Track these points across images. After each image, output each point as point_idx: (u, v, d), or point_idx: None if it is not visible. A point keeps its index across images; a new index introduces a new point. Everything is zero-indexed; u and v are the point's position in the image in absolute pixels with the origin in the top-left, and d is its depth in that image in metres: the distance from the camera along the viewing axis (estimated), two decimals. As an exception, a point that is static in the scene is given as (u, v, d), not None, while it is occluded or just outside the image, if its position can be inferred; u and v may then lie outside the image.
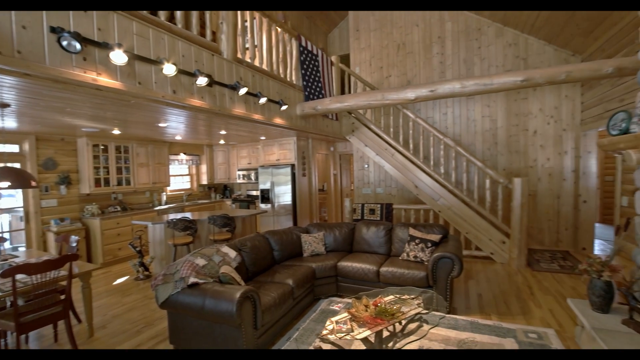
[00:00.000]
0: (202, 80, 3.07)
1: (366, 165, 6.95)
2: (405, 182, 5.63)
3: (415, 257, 3.69)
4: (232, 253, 3.23)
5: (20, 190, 5.00)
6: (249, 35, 4.05)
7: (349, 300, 3.41)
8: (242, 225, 5.51)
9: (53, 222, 5.16)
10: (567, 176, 5.59)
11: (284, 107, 3.97)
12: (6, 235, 4.98)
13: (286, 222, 7.02)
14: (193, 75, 3.04)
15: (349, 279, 3.75)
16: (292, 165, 6.90)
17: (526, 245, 4.77)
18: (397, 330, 2.31)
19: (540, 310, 3.33)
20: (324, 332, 2.20)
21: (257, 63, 4.04)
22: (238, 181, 8.12)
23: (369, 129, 5.91)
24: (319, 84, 5.04)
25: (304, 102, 4.32)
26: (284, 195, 6.99)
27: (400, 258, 3.85)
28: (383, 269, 3.57)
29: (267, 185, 7.19)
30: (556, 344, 2.71)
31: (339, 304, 3.40)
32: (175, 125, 4.53)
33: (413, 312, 2.40)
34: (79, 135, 5.36)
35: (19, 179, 2.93)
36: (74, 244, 3.44)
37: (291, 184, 6.89)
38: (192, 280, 2.62)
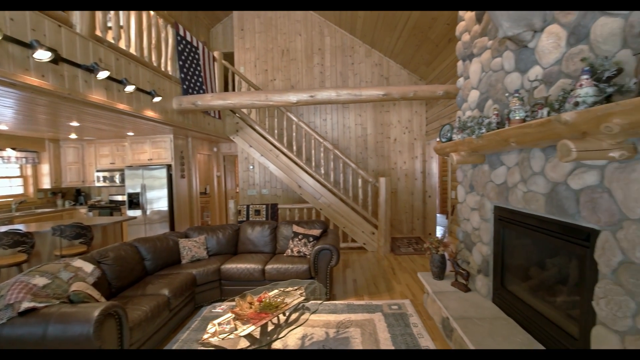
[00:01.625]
0: (42, 55, 2.47)
1: (251, 167, 6.89)
2: (290, 182, 5.84)
3: (298, 252, 3.86)
4: (88, 267, 2.69)
5: None
6: (112, 12, 3.48)
7: (233, 303, 3.32)
8: (102, 236, 4.64)
9: None
10: (417, 176, 6.86)
11: (157, 99, 3.55)
12: None
13: (161, 229, 6.28)
14: (29, 47, 2.42)
15: (233, 281, 3.63)
16: (169, 166, 6.23)
17: (390, 235, 5.61)
18: (282, 321, 2.37)
19: (400, 286, 3.97)
20: (205, 336, 2.07)
21: (122, 46, 3.49)
22: (97, 184, 6.81)
23: (254, 129, 5.90)
24: (199, 79, 4.74)
25: (181, 96, 3.97)
26: (158, 199, 6.24)
27: (285, 254, 3.96)
28: (268, 267, 3.61)
29: (136, 189, 6.27)
30: (411, 310, 3.28)
31: (222, 307, 3.26)
32: (-2, 110, 3.48)
33: (295, 302, 2.50)
34: None
35: None
36: None
37: (167, 187, 6.21)
38: (26, 305, 2.06)
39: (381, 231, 5.48)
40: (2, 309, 2.05)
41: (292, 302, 2.47)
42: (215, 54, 5.56)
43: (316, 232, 4.00)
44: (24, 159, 5.98)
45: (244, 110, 6.03)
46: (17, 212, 5.66)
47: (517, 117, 2.03)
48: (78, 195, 7.01)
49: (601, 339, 1.58)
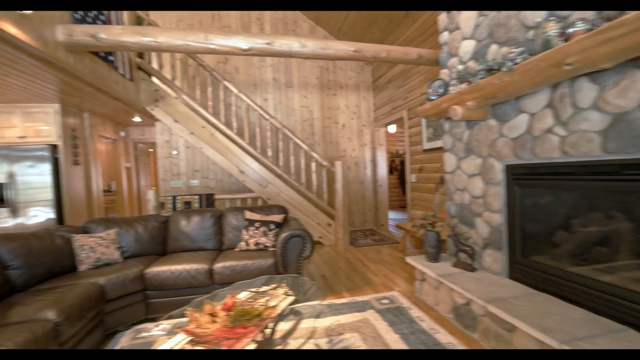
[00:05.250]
0: None
1: (175, 152, 5.56)
2: (229, 167, 4.79)
3: (257, 244, 2.94)
4: None
5: None
6: None
7: (173, 321, 2.25)
8: None
9: None
10: (367, 165, 6.48)
11: (26, 11, 2.20)
12: None
13: (42, 234, 4.51)
14: None
15: (166, 290, 2.52)
16: (53, 147, 4.55)
17: (349, 225, 5.02)
18: (269, 334, 1.50)
19: (378, 278, 3.36)
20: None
21: None
22: None
23: (181, 100, 4.69)
24: (102, 14, 3.43)
25: (70, 25, 2.66)
26: (36, 193, 4.48)
27: (237, 249, 2.99)
28: (218, 266, 2.61)
29: (0, 179, 4.40)
30: (405, 302, 2.68)
31: (157, 330, 2.16)
32: None
33: (284, 304, 1.65)
34: None
35: None
36: None
37: (53, 178, 4.51)
38: None
39: (339, 222, 4.85)
40: None
41: (280, 305, 1.61)
42: (127, -1, 4.23)
43: (277, 217, 3.13)
44: None
45: (167, 75, 4.77)
46: None
47: (581, 28, 1.59)
48: None
49: None
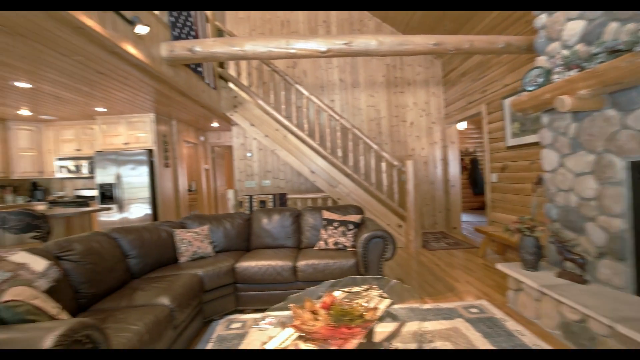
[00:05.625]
0: None
1: (249, 154, 5.90)
2: (301, 167, 4.93)
3: (335, 243, 2.96)
4: (39, 263, 1.65)
5: None
6: None
7: (259, 316, 2.36)
8: (66, 231, 3.50)
9: None
10: (437, 164, 6.15)
11: (141, 29, 2.51)
12: None
13: (141, 228, 5.14)
14: None
15: (254, 284, 2.67)
16: (149, 151, 5.15)
17: (421, 227, 4.82)
18: (374, 338, 1.48)
19: (461, 285, 3.15)
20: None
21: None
22: (59, 175, 5.56)
23: (257, 105, 4.95)
24: (192, 31, 3.78)
25: (173, 41, 2.99)
26: (137, 191, 5.12)
27: (316, 248, 3.05)
28: (301, 264, 2.68)
29: (109, 179, 5.12)
30: (498, 313, 2.46)
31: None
32: None
33: (382, 306, 1.61)
34: None
35: None
36: None
37: (149, 178, 5.12)
38: None
39: (410, 223, 4.67)
40: None
41: (379, 307, 1.58)
42: (209, 13, 4.61)
43: (355, 217, 3.12)
44: (-41, 142, 4.69)
45: (244, 82, 5.09)
46: (-52, 209, 4.35)
47: None
48: (34, 189, 5.71)
49: None
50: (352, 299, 1.70)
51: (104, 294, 2.04)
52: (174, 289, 2.08)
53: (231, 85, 4.95)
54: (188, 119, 5.82)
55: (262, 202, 4.75)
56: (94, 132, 5.46)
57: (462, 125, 6.42)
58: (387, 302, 1.63)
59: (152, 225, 2.80)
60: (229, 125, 6.20)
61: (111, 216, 5.14)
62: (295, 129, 4.85)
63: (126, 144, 5.19)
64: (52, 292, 1.62)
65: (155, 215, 5.19)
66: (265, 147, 5.81)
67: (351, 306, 1.55)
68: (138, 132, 5.20)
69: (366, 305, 1.56)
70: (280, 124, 4.93)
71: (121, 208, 5.13)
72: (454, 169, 6.02)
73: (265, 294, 2.68)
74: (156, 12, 3.07)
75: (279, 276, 2.63)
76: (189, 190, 6.75)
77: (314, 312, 1.51)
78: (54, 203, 5.39)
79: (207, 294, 2.48)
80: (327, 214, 3.19)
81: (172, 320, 1.87)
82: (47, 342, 1.02)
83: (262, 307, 2.66)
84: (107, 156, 5.11)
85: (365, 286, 1.90)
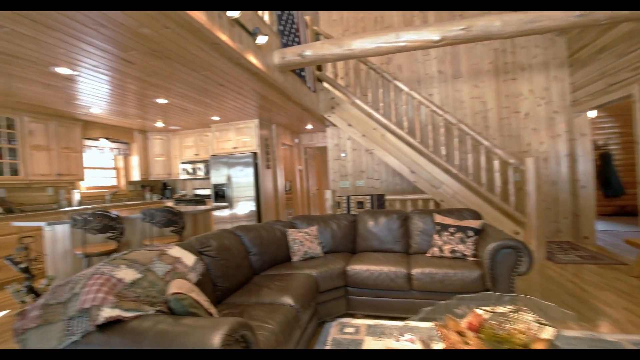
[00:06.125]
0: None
1: (343, 154, 5.91)
2: (400, 167, 4.70)
3: (452, 251, 2.68)
4: (189, 258, 1.86)
5: None
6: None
7: (372, 323, 2.26)
8: (192, 226, 4.01)
9: None
10: (561, 161, 5.20)
11: (261, 39, 2.68)
12: None
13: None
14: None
15: (365, 289, 2.59)
16: (254, 154, 5.58)
17: (544, 235, 4.12)
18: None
19: (616, 311, 2.54)
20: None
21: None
22: (182, 177, 6.46)
23: (354, 105, 4.90)
24: (296, 38, 3.90)
25: (283, 48, 3.13)
26: (244, 190, 5.60)
27: (428, 255, 2.82)
28: (416, 271, 2.49)
29: (221, 179, 5.72)
30: (692, 359, 1.87)
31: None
32: (86, 75, 2.99)
33: (545, 335, 1.33)
34: None
35: None
36: None
37: (254, 177, 5.55)
38: (107, 313, 1.23)
39: (531, 230, 4.01)
40: (75, 315, 1.25)
41: (542, 335, 1.31)
42: (307, 18, 4.74)
43: (474, 223, 2.78)
44: (116, 150, 5.83)
45: (341, 83, 5.10)
46: (111, 203, 5.45)
47: None
48: (164, 188, 6.77)
49: None
50: (500, 322, 1.46)
51: (234, 288, 2.21)
52: (295, 289, 2.13)
53: (328, 87, 5.00)
54: (285, 122, 6.14)
55: (360, 203, 4.68)
56: (208, 139, 6.19)
57: (592, 114, 5.29)
58: (550, 330, 1.35)
59: (268, 224, 2.97)
60: (323, 126, 6.33)
61: (222, 212, 5.74)
62: (394, 127, 4.65)
63: (235, 148, 5.72)
64: (199, 285, 1.79)
65: (259, 212, 5.60)
66: (359, 147, 5.74)
67: (506, 331, 1.32)
68: (244, 137, 5.69)
69: (526, 332, 1.31)
70: (379, 123, 4.78)
71: (231, 205, 5.68)
72: (585, 166, 4.99)
73: (376, 301, 2.58)
74: (267, 21, 3.26)
75: (392, 283, 2.50)
76: (286, 190, 7.13)
77: (460, 333, 1.33)
78: (179, 200, 6.28)
79: (320, 296, 2.50)
80: (440, 218, 2.92)
81: (298, 321, 1.91)
82: (215, 341, 1.08)
83: (373, 313, 2.57)
84: (219, 159, 5.72)
85: (510, 306, 1.62)
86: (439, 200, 4.52)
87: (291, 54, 3.05)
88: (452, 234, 2.75)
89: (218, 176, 5.74)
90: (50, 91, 3.58)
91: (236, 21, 2.46)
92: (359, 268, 2.59)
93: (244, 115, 5.25)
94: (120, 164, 6.09)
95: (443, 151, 4.55)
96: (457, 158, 4.53)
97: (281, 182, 6.45)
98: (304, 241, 2.90)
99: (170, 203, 6.28)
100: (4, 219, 3.80)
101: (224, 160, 5.69)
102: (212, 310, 1.57)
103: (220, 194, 5.72)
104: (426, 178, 4.56)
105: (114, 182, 6.03)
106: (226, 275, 2.14)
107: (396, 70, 5.79)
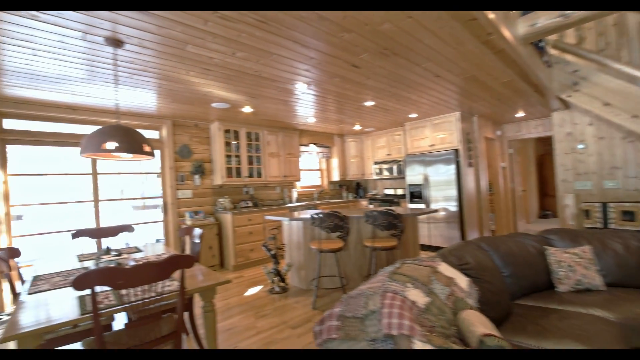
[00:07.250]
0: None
1: (580, 145, 4.43)
2: None
3: None
4: (462, 279, 1.57)
5: (159, 178, 4.63)
6: None
7: None
8: (410, 230, 3.86)
9: (188, 214, 4.63)
10: None
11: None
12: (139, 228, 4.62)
13: (447, 230, 5.09)
14: None
15: None
16: (455, 151, 4.98)
17: None
18: None
19: None
20: None
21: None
22: (373, 177, 6.61)
23: (618, 74, 3.52)
24: None
25: (529, 13, 2.43)
26: (443, 190, 5.10)
27: None
28: None
29: (418, 180, 5.43)
30: None
31: None
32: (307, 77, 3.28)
33: None
34: (211, 119, 4.77)
35: (129, 141, 2.00)
36: (198, 240, 2.42)
37: (455, 177, 4.96)
38: (419, 347, 1.06)
39: None
40: (378, 339, 1.15)
41: None
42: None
43: None
44: (321, 153, 6.56)
45: (591, 47, 3.78)
46: (318, 201, 6.18)
47: None
48: (358, 187, 7.15)
49: None
50: None
51: (498, 320, 1.78)
52: (596, 339, 1.50)
53: (568, 58, 3.80)
54: (488, 112, 5.21)
55: (628, 214, 3.31)
56: (400, 138, 6.04)
57: None
58: None
59: (515, 238, 2.38)
60: (540, 113, 5.03)
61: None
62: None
63: (431, 145, 5.31)
64: (474, 314, 1.47)
65: (461, 214, 4.98)
66: (610, 135, 4.15)
67: None
68: (441, 133, 5.19)
69: None
70: (663, 96, 3.23)
71: (427, 205, 5.32)
72: None
73: None
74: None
75: None
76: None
77: None
78: (372, 200, 6.45)
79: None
80: None
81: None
82: None
83: None
84: (415, 158, 5.45)
85: None
86: None
87: (545, 18, 2.32)
88: None
89: (413, 175, 5.48)
90: (285, 107, 4.24)
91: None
92: (701, 324, 1.65)
93: (444, 108, 4.75)
94: (324, 165, 6.83)
95: None
96: None
97: (485, 181, 5.56)
98: (574, 265, 2.15)
99: (363, 202, 6.54)
100: (255, 211, 4.84)
101: (420, 159, 5.38)
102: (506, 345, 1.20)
103: (416, 194, 5.45)
104: None
105: (318, 182, 6.83)
106: (488, 302, 1.75)
107: (687, 14, 3.82)
